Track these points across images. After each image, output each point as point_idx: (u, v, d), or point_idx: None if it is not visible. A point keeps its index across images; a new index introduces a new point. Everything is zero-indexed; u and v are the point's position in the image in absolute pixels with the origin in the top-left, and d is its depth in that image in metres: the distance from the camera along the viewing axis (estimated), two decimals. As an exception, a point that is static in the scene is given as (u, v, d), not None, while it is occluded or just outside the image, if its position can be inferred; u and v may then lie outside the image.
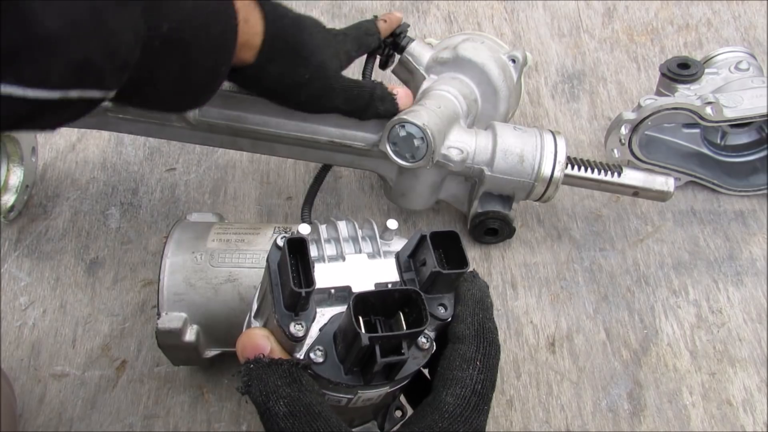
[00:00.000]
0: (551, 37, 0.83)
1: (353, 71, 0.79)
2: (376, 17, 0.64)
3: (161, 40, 0.40)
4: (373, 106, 0.56)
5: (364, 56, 0.63)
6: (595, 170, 0.62)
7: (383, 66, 0.67)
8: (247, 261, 0.52)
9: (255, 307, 0.39)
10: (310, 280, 0.34)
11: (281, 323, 0.34)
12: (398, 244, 0.40)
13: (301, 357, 0.35)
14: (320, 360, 0.34)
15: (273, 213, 0.69)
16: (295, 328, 0.34)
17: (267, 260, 0.36)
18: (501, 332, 0.58)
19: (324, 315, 0.36)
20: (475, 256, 0.66)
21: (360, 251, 0.39)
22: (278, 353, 0.34)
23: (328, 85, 0.54)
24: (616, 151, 0.67)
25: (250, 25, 0.48)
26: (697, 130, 0.69)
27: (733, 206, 0.70)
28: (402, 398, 0.43)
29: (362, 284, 0.37)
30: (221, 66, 0.45)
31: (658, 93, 0.67)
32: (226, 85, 0.57)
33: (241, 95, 0.57)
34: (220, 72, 0.46)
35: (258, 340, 0.35)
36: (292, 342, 0.34)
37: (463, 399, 0.35)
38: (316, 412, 0.33)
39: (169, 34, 0.40)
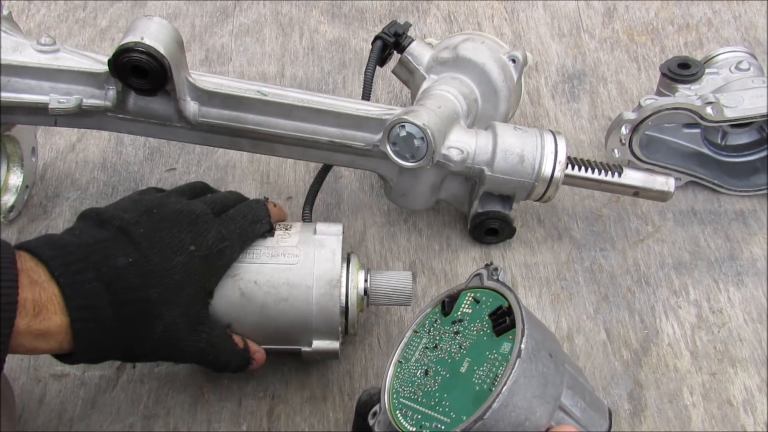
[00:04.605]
0: (551, 37, 0.83)
1: (353, 71, 0.79)
2: (266, 198, 0.55)
3: None
4: (230, 366, 0.49)
5: (367, 54, 0.63)
6: (596, 170, 0.62)
7: (382, 63, 0.67)
8: (247, 257, 0.52)
9: None
10: None
11: None
12: None
13: None
14: None
15: (273, 213, 0.69)
16: None
17: None
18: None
19: None
20: (475, 256, 0.66)
21: None
22: None
23: (176, 349, 0.45)
24: (616, 151, 0.67)
25: (42, 318, 0.39)
26: (697, 130, 0.69)
27: (733, 206, 0.70)
28: None
29: None
30: None
31: (659, 93, 0.67)
32: (227, 83, 0.57)
33: (241, 95, 0.57)
34: None
35: None
36: None
37: None
38: None
39: None
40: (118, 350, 0.43)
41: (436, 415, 0.40)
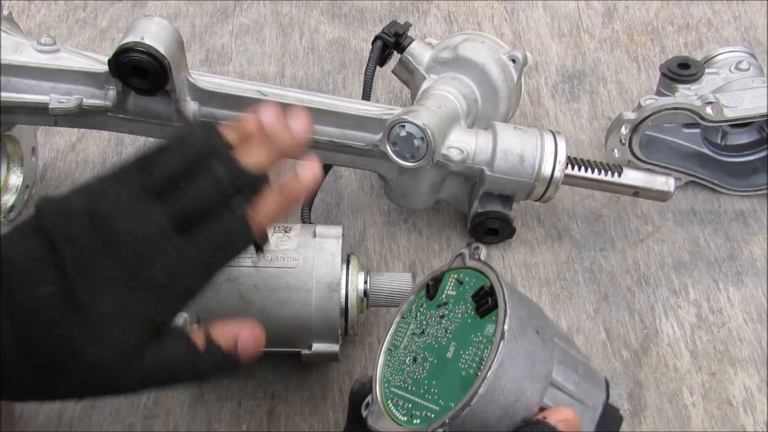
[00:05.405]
0: (551, 37, 0.83)
1: (353, 71, 0.79)
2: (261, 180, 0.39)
3: None
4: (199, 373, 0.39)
5: (367, 54, 0.63)
6: (596, 170, 0.62)
7: (382, 63, 0.67)
8: (247, 260, 0.52)
9: None
10: None
11: None
12: None
13: None
14: None
15: (273, 213, 0.68)
16: None
17: None
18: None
19: None
20: (475, 256, 0.66)
21: None
22: None
23: (112, 386, 0.37)
24: (616, 151, 0.67)
25: None
26: (697, 130, 0.69)
27: (733, 206, 0.70)
28: None
29: None
30: None
31: (659, 93, 0.67)
32: (227, 83, 0.57)
33: (241, 95, 0.57)
34: None
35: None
36: None
37: None
38: None
39: None
40: (30, 390, 0.37)
41: (425, 403, 0.39)
